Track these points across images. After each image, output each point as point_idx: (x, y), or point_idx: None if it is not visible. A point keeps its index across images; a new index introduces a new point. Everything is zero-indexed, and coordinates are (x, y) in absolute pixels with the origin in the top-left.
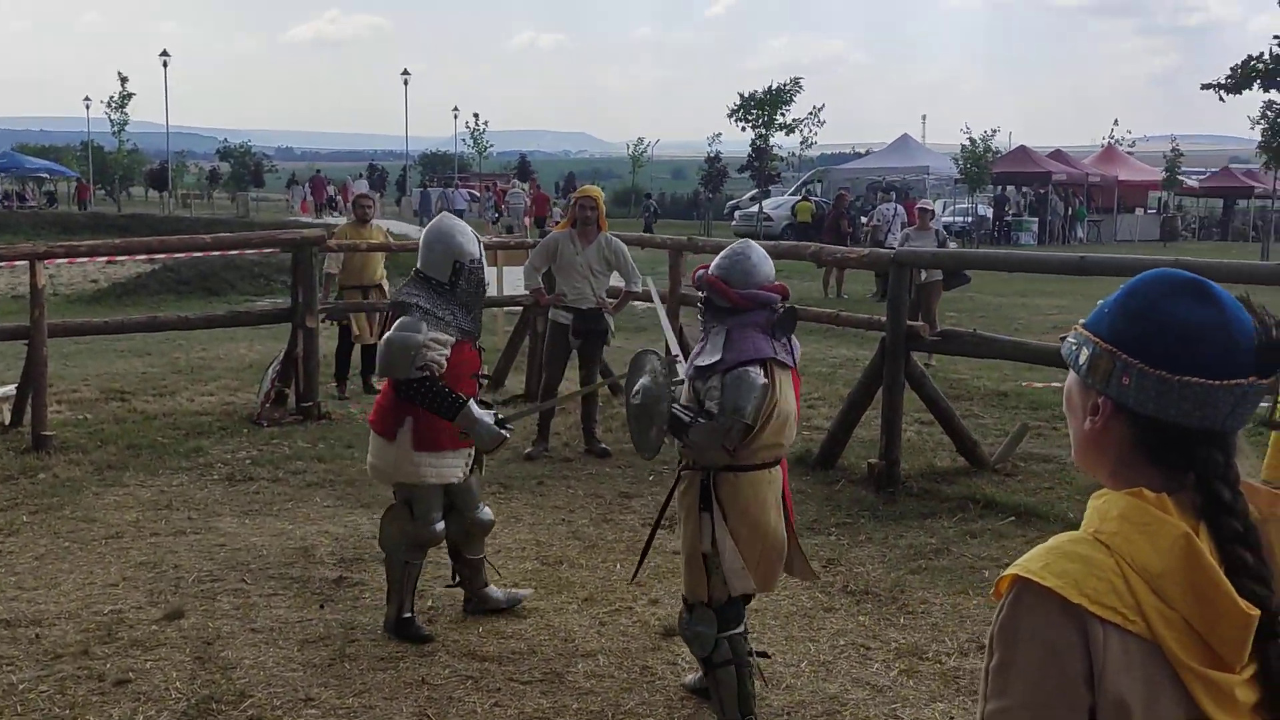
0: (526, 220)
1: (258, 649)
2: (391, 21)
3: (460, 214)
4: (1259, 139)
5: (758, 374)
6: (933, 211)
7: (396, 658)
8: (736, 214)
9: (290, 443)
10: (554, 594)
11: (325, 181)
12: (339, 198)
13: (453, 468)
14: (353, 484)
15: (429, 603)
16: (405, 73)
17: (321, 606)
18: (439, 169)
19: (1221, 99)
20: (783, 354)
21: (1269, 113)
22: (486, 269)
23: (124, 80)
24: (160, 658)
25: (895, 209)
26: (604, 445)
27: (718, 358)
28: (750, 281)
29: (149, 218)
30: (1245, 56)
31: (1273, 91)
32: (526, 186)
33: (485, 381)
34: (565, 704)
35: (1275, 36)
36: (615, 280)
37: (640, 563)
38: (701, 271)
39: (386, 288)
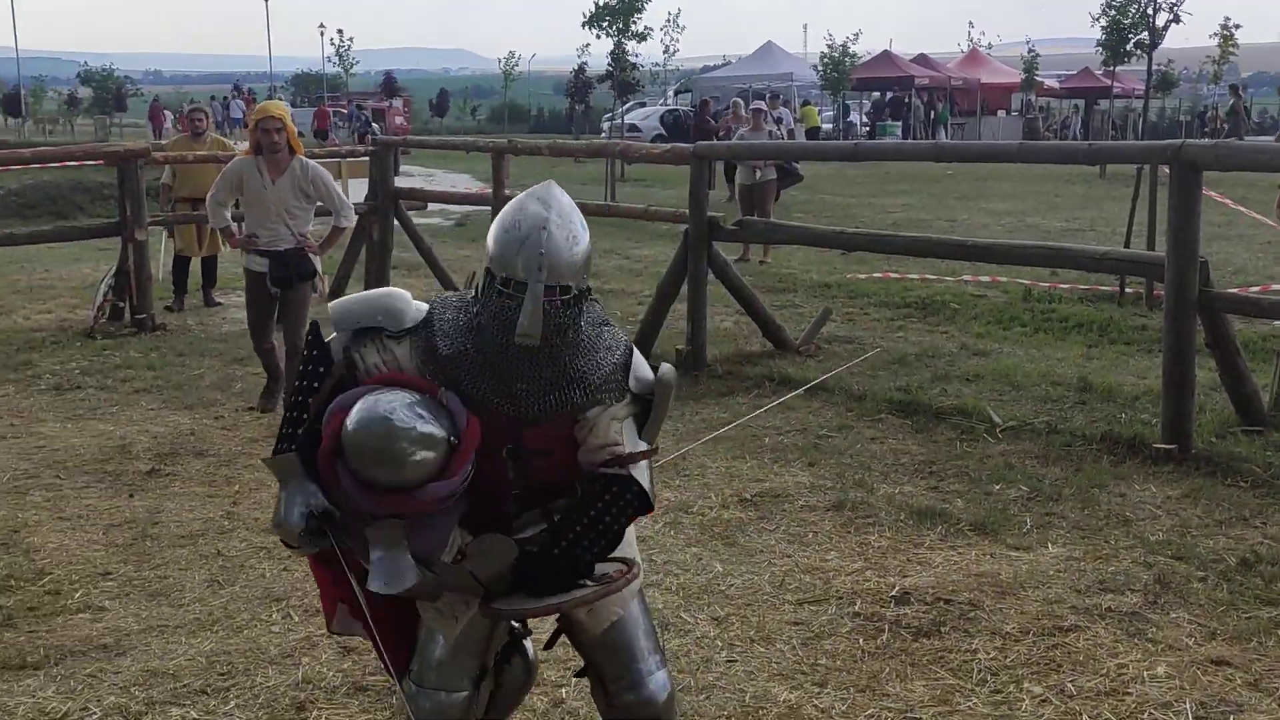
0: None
1: (63, 534)
2: None
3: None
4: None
5: None
6: (766, 112)
7: (197, 535)
8: (605, 125)
9: (122, 353)
10: None
11: (163, 108)
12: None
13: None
14: (180, 388)
15: (235, 488)
16: None
17: (131, 495)
18: (310, 89)
19: None
20: None
21: (1109, 9)
22: None
23: None
24: None
25: (783, 113)
26: None
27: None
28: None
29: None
30: None
31: None
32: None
33: None
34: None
35: None
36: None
37: None
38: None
39: None
